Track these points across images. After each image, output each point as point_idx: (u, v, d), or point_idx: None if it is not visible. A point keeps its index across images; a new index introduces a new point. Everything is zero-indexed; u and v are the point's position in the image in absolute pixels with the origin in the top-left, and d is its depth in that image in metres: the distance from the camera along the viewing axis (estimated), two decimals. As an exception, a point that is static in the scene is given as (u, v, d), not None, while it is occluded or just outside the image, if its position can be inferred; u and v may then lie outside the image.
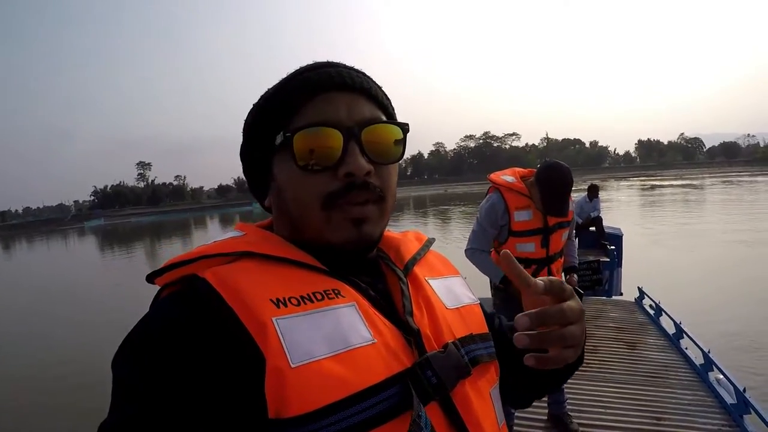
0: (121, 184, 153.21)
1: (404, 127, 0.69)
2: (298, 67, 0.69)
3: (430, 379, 0.58)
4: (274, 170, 0.68)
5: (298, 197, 0.65)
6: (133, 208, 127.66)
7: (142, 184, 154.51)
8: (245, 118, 0.72)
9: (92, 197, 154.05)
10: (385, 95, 0.72)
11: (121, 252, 27.12)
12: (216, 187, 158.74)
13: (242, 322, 0.53)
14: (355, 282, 0.64)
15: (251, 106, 0.72)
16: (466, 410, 0.61)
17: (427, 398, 0.57)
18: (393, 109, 0.74)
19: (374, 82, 0.71)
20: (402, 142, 0.69)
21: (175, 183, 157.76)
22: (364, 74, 0.70)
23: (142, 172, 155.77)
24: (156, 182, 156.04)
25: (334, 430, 0.50)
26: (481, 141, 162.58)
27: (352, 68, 0.69)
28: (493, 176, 2.93)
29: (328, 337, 0.55)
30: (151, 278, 0.63)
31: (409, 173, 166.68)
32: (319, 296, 0.58)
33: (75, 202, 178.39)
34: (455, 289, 0.75)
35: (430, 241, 0.81)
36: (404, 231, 0.82)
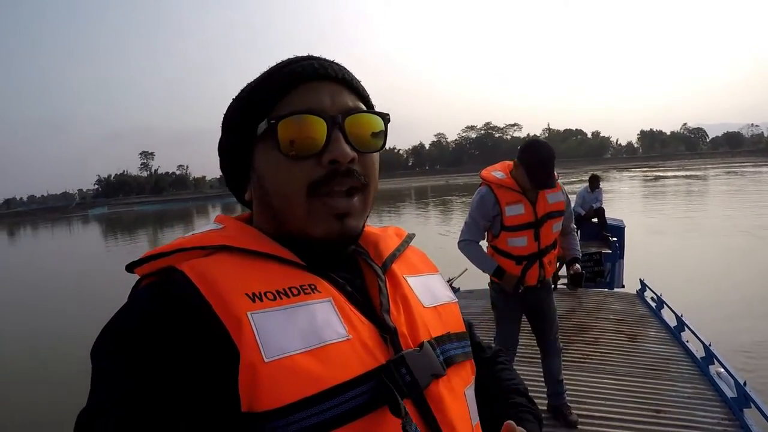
0: (125, 173, 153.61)
1: (385, 117, 0.70)
2: (279, 61, 0.70)
3: (404, 377, 0.58)
4: (255, 160, 0.68)
5: (280, 186, 0.64)
6: (137, 197, 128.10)
7: (145, 174, 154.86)
8: (225, 112, 0.72)
9: (96, 186, 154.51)
10: (364, 88, 0.73)
11: (124, 240, 27.29)
12: (218, 176, 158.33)
13: (218, 315, 0.53)
14: (333, 277, 0.64)
15: (231, 100, 0.72)
16: (439, 409, 0.61)
17: (401, 396, 0.57)
18: (371, 101, 0.75)
19: (354, 74, 0.72)
20: (383, 132, 0.69)
21: (177, 172, 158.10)
22: (344, 67, 0.71)
23: (145, 161, 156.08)
24: (159, 171, 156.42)
25: (306, 425, 0.51)
26: (482, 132, 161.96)
27: (333, 61, 0.70)
28: (484, 173, 2.97)
29: (302, 332, 0.55)
30: (130, 268, 0.63)
31: (410, 164, 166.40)
32: (295, 291, 0.58)
33: (79, 190, 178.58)
34: (433, 286, 0.75)
35: (410, 237, 0.81)
36: (384, 226, 0.81)
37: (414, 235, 0.82)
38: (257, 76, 0.71)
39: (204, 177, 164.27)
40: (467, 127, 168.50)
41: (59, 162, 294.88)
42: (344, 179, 0.64)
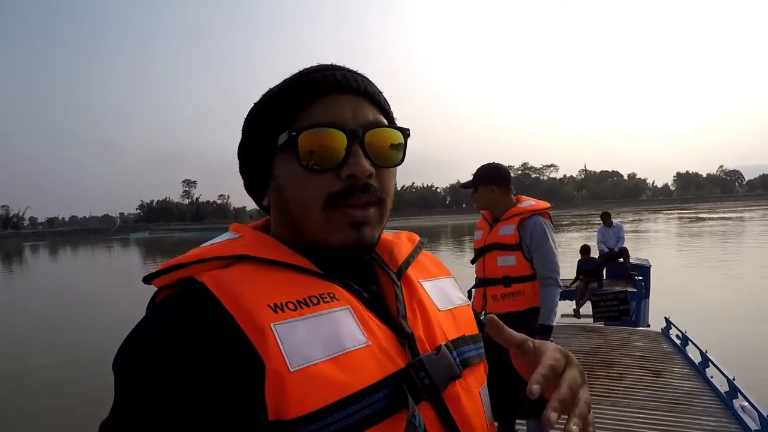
0: (167, 199, 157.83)
1: (405, 132, 0.70)
2: (303, 69, 0.70)
3: (423, 380, 0.60)
4: (275, 169, 0.68)
5: (299, 197, 0.65)
6: (178, 224, 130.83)
7: (186, 201, 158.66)
8: (246, 116, 0.73)
9: (138, 210, 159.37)
10: (386, 101, 0.74)
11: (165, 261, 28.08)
12: (258, 208, 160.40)
13: (241, 327, 0.54)
14: (349, 285, 0.65)
15: (253, 105, 0.72)
16: (456, 409, 0.63)
17: (419, 398, 0.59)
18: (393, 114, 0.75)
19: (377, 86, 0.72)
20: (402, 147, 0.70)
21: (219, 202, 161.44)
22: (368, 79, 0.71)
23: (187, 189, 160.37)
24: (200, 200, 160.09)
25: (332, 430, 0.52)
26: (519, 172, 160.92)
27: (356, 72, 0.71)
28: None
29: (324, 340, 0.56)
30: (148, 280, 0.64)
31: (447, 202, 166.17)
32: (314, 300, 0.59)
33: (120, 214, 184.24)
34: (447, 290, 0.77)
35: (422, 242, 0.82)
36: (397, 232, 0.82)
37: (426, 240, 0.84)
38: (280, 81, 0.71)
39: (244, 207, 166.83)
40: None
41: (103, 184, 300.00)
42: (361, 194, 0.64)
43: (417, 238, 0.83)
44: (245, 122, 0.72)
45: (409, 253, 0.76)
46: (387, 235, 0.79)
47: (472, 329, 0.75)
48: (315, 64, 0.70)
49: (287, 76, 0.70)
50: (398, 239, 0.79)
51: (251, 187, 0.75)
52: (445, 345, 0.66)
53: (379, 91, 0.72)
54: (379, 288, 0.70)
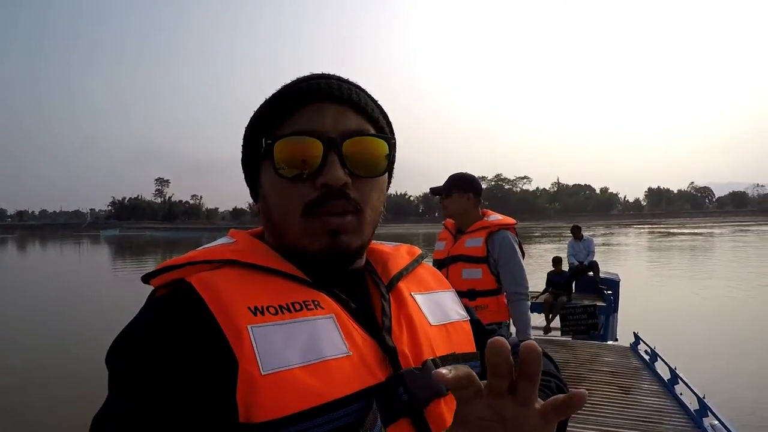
0: (139, 197, 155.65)
1: (390, 141, 0.69)
2: (295, 78, 0.70)
3: (401, 396, 0.58)
4: (261, 177, 0.69)
5: (280, 204, 0.66)
6: (149, 222, 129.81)
7: (159, 200, 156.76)
8: (246, 125, 0.73)
9: (109, 207, 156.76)
10: (377, 108, 0.71)
11: (133, 261, 27.68)
12: (231, 209, 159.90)
13: (221, 327, 0.55)
14: (337, 294, 0.64)
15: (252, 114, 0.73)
16: (438, 429, 0.60)
17: (397, 415, 0.57)
18: (387, 123, 0.73)
19: (366, 95, 0.71)
20: (387, 157, 0.68)
21: (191, 202, 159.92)
22: (356, 86, 0.70)
23: (160, 188, 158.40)
24: (173, 199, 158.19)
25: None
26: (493, 183, 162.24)
27: (344, 80, 0.70)
28: None
29: (302, 347, 0.55)
30: (146, 279, 0.66)
31: (421, 210, 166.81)
32: (297, 306, 0.59)
33: (91, 210, 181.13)
34: (444, 304, 0.75)
35: (422, 256, 0.81)
36: (397, 245, 0.81)
37: (425, 254, 0.82)
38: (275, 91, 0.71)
39: (217, 209, 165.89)
40: (479, 178, 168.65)
41: (75, 180, 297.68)
42: (336, 202, 0.63)
43: (418, 251, 0.81)
44: (244, 131, 0.73)
45: (404, 266, 0.75)
46: (385, 247, 0.78)
47: (468, 347, 0.72)
48: (308, 74, 0.70)
49: (285, 83, 0.70)
50: (396, 252, 0.78)
51: (252, 194, 0.75)
52: (432, 360, 0.64)
53: (369, 100, 0.70)
54: (369, 299, 0.68)
